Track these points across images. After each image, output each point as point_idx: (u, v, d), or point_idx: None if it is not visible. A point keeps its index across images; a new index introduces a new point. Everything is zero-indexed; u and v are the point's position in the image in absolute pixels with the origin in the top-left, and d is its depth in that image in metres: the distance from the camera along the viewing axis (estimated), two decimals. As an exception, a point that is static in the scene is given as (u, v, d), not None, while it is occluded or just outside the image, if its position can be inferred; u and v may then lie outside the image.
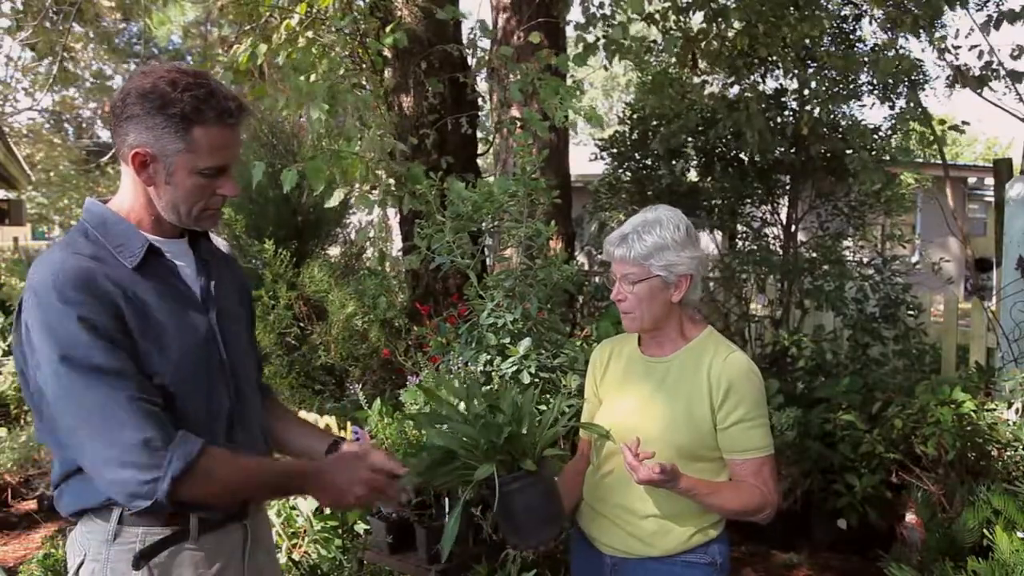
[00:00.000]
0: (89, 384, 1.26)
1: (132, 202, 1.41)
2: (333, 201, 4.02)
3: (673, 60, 5.35)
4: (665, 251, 1.70)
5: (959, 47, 5.14)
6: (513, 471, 1.61)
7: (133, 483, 1.26)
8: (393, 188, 4.17)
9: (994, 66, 5.07)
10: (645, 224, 1.73)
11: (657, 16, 5.04)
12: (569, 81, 4.32)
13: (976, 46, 5.10)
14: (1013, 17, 4.66)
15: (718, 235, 5.36)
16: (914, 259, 4.99)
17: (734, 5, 4.88)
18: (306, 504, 2.89)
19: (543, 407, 1.83)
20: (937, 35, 5.10)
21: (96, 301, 1.29)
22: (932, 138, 5.57)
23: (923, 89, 4.98)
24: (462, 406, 1.77)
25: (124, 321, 1.31)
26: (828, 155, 4.70)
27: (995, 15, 4.76)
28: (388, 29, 3.94)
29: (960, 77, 5.05)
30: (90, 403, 1.26)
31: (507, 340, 2.81)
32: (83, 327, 1.26)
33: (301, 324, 4.68)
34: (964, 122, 5.22)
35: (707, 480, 1.70)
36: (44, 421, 1.36)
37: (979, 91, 5.07)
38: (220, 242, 1.62)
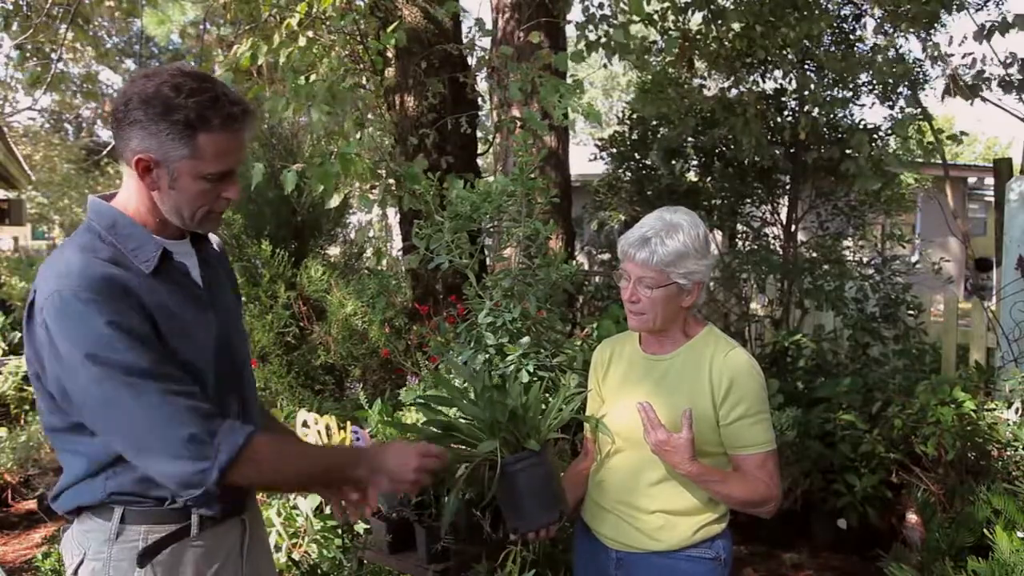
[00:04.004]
0: (129, 385, 1.26)
1: (137, 204, 1.40)
2: (334, 201, 4.02)
3: (671, 60, 5.34)
4: (686, 259, 1.69)
5: (951, 55, 5.14)
6: (516, 452, 1.63)
7: (184, 475, 1.28)
8: (393, 188, 4.17)
9: (986, 75, 5.06)
10: (667, 228, 1.70)
11: (656, 17, 5.04)
12: (569, 80, 4.32)
13: (970, 53, 5.10)
14: (1005, 27, 4.64)
15: (718, 235, 5.36)
16: (914, 259, 4.99)
17: (732, 7, 4.88)
18: (306, 503, 2.89)
19: (544, 406, 1.86)
20: (932, 41, 5.09)
21: (124, 304, 1.29)
22: (932, 146, 5.56)
23: (923, 89, 4.98)
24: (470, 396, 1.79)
25: (152, 322, 1.32)
26: (828, 158, 4.70)
27: (988, 24, 4.74)
28: (389, 29, 3.94)
29: (953, 86, 5.04)
30: (132, 405, 1.27)
31: (506, 339, 2.81)
32: (115, 330, 1.26)
33: (300, 324, 4.68)
34: (963, 132, 5.26)
35: (717, 468, 1.72)
36: (61, 422, 1.35)
37: (971, 102, 5.05)
38: (211, 236, 1.63)
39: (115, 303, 1.28)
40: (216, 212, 1.43)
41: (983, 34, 4.76)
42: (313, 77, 3.97)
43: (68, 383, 1.29)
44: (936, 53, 5.00)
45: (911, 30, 4.90)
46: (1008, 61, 5.08)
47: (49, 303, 1.28)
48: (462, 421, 1.78)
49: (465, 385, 1.93)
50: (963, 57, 5.03)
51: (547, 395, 2.62)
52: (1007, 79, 4.96)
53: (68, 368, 1.28)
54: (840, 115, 4.74)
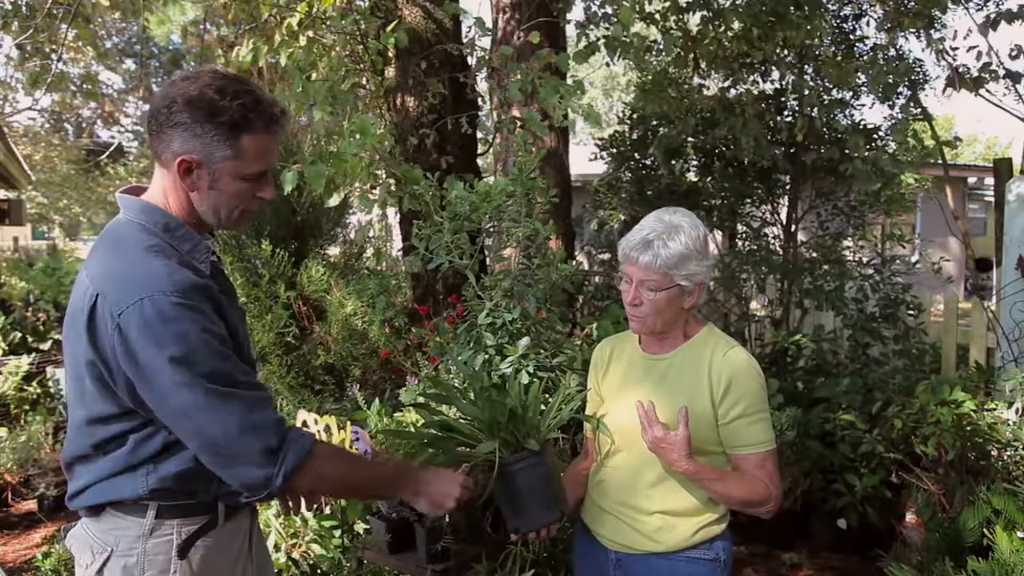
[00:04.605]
0: (217, 394, 1.30)
1: (175, 205, 1.43)
2: (333, 201, 4.02)
3: (672, 60, 5.34)
4: (689, 261, 1.69)
5: (957, 48, 5.12)
6: (516, 452, 1.64)
7: (256, 479, 1.34)
8: (393, 188, 4.17)
9: (992, 67, 5.05)
10: (668, 230, 1.70)
11: (657, 16, 5.04)
12: (569, 80, 4.32)
13: (975, 47, 5.08)
14: (1011, 17, 4.63)
15: (718, 235, 5.36)
16: (914, 259, 4.99)
17: (731, 6, 4.87)
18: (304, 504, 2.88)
19: (543, 406, 1.86)
20: (936, 36, 5.08)
21: (210, 309, 1.34)
22: (926, 151, 5.56)
23: (923, 89, 4.98)
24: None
25: (227, 324, 1.38)
26: (828, 159, 4.70)
27: (993, 15, 4.73)
28: (388, 29, 3.93)
29: (957, 79, 5.03)
30: (219, 413, 1.31)
31: (505, 340, 2.81)
32: (208, 336, 1.31)
33: (300, 324, 4.68)
34: (957, 138, 5.27)
35: (714, 467, 1.72)
36: (111, 414, 1.36)
37: (976, 92, 5.05)
38: None
39: (204, 309, 1.32)
40: (250, 211, 1.48)
41: (989, 25, 4.75)
42: (314, 77, 3.97)
43: (144, 388, 1.31)
44: (940, 47, 4.98)
45: (912, 29, 4.89)
46: (1014, 54, 5.06)
47: (135, 310, 1.29)
48: (462, 421, 1.78)
49: (465, 385, 1.93)
50: (968, 51, 5.02)
51: (547, 395, 2.63)
52: (1013, 71, 4.95)
53: (149, 373, 1.29)
54: (838, 115, 4.74)
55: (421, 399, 2.80)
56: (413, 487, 1.56)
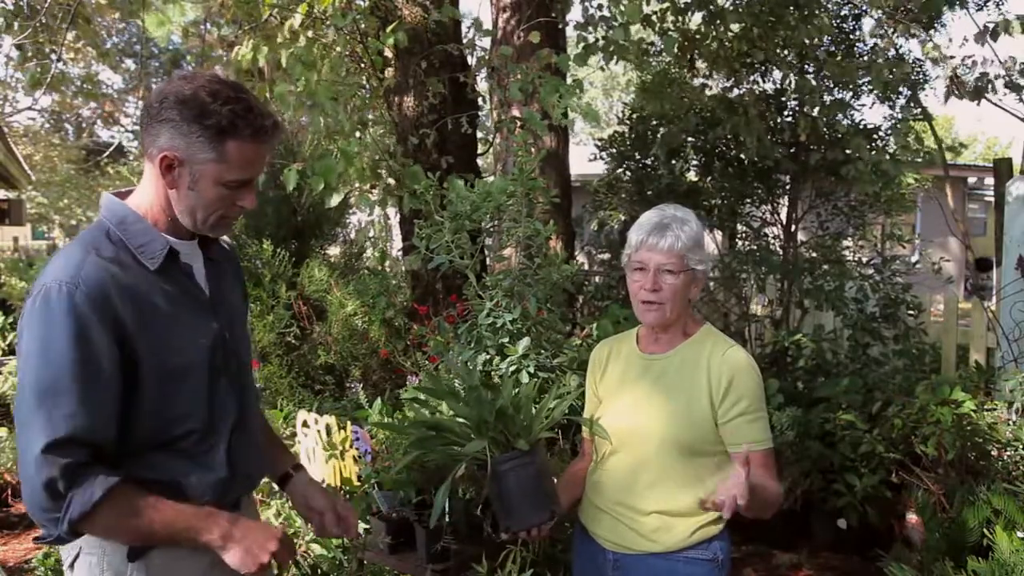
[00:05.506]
0: (34, 403, 1.27)
1: (151, 202, 1.43)
2: (334, 201, 4.02)
3: (672, 60, 5.34)
4: (699, 248, 1.75)
5: (952, 57, 5.13)
6: (507, 451, 1.63)
7: (37, 512, 1.29)
8: (393, 188, 4.18)
9: (990, 77, 5.04)
10: (676, 220, 1.76)
11: (655, 18, 5.04)
12: (569, 80, 4.32)
13: (970, 56, 5.09)
14: (1007, 27, 4.63)
15: (718, 235, 5.36)
16: (914, 259, 4.99)
17: (731, 7, 4.87)
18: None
19: (536, 406, 1.86)
20: (931, 44, 5.10)
21: (102, 308, 1.30)
22: (929, 154, 5.55)
23: (923, 89, 4.98)
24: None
25: (123, 338, 1.32)
26: (830, 160, 4.70)
27: (991, 25, 4.73)
28: (389, 29, 3.94)
29: (958, 87, 5.03)
30: (26, 422, 1.28)
31: (506, 340, 2.81)
32: (72, 346, 1.27)
33: (301, 324, 4.68)
34: (961, 144, 5.28)
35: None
36: None
37: (977, 101, 5.04)
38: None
39: (92, 308, 1.29)
40: (229, 218, 1.46)
41: (986, 35, 4.75)
42: (315, 77, 3.97)
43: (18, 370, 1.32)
44: (937, 55, 5.00)
45: (910, 33, 4.90)
46: (1008, 65, 5.07)
47: (35, 294, 1.31)
48: (458, 420, 1.78)
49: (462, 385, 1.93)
50: (963, 60, 5.03)
51: (543, 395, 2.62)
52: (1011, 80, 4.95)
53: (18, 356, 1.32)
54: (838, 116, 4.74)
55: (421, 389, 2.81)
56: (221, 535, 1.39)
